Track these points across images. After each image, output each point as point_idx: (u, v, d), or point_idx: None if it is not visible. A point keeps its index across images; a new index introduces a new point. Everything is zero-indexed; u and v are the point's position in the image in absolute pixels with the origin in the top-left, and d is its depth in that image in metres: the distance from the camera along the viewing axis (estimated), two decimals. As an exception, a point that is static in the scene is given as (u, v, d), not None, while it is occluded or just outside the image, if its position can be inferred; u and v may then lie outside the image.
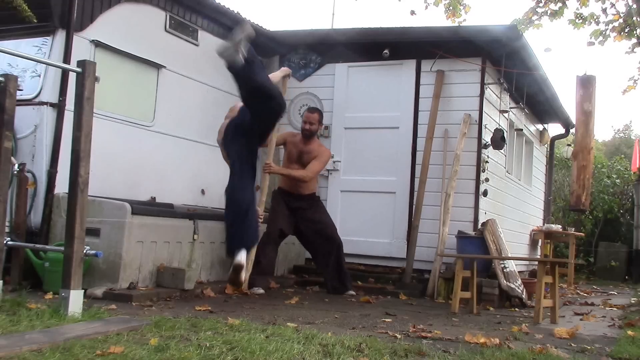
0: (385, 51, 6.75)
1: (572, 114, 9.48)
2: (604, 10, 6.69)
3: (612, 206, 12.65)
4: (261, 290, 5.52)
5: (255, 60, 4.43)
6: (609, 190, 12.80)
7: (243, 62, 4.22)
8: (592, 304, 6.24)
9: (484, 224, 6.02)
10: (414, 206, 6.45)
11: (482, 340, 3.43)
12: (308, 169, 5.81)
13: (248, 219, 4.52)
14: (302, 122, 5.98)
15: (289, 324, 3.70)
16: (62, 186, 4.74)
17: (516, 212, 8.14)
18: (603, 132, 36.82)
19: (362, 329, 3.85)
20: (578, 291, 8.02)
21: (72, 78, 4.32)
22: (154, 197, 5.73)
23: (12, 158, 4.40)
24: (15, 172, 4.70)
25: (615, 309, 5.91)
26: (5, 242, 3.99)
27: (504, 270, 5.69)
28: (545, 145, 10.21)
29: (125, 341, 2.92)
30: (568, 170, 12.98)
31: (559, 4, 6.62)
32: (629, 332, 4.11)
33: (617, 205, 12.79)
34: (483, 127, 6.50)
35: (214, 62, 6.58)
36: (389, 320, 4.29)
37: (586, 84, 7.50)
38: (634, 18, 6.50)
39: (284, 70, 5.83)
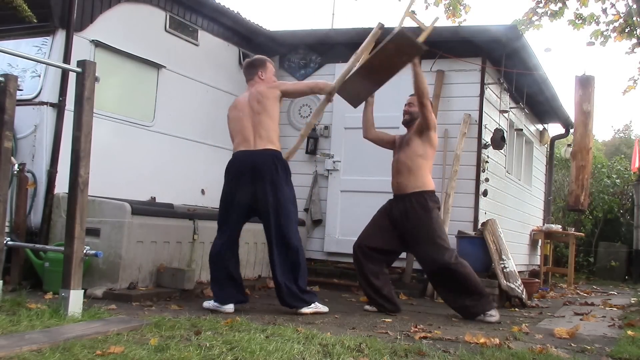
0: (386, 51, 6.74)
1: (572, 114, 9.49)
2: (604, 11, 6.69)
3: (612, 206, 12.64)
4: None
5: None
6: (609, 190, 12.79)
7: None
8: (592, 304, 6.23)
9: (484, 224, 6.02)
10: (414, 206, 6.43)
11: (482, 340, 3.43)
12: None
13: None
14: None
15: (289, 324, 3.71)
16: (62, 186, 4.73)
17: (516, 212, 8.14)
18: (603, 132, 36.86)
19: (362, 329, 3.85)
20: (578, 291, 8.02)
21: (72, 78, 4.32)
22: (154, 197, 5.73)
23: (12, 158, 4.40)
24: (15, 172, 4.70)
25: (615, 309, 5.91)
26: (5, 242, 3.99)
27: (504, 270, 5.69)
28: (545, 145, 10.21)
29: (125, 341, 2.93)
30: (568, 170, 12.96)
31: (559, 5, 6.62)
32: (629, 332, 4.11)
33: (617, 205, 12.78)
34: (483, 127, 6.50)
35: (214, 62, 6.66)
36: (389, 320, 4.29)
37: (585, 84, 7.51)
38: (634, 18, 6.50)
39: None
